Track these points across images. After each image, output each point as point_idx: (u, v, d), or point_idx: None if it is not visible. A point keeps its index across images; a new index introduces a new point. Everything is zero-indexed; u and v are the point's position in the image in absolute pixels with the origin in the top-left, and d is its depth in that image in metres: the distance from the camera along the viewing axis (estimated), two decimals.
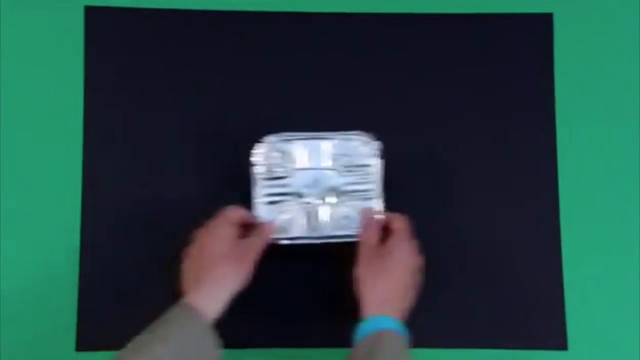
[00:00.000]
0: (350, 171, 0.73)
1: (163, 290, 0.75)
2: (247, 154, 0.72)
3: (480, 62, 0.79)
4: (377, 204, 0.73)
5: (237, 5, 0.79)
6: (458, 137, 0.78)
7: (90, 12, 0.78)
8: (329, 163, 0.73)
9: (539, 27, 0.80)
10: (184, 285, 0.68)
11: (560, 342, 0.75)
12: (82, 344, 0.74)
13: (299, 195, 0.73)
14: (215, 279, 0.66)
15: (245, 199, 0.73)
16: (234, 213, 0.70)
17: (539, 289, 0.76)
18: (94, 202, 0.76)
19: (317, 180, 0.73)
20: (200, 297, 0.65)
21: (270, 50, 0.79)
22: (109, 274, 0.75)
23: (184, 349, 0.62)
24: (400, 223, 0.72)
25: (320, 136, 0.73)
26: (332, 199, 0.73)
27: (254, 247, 0.69)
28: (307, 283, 0.76)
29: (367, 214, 0.73)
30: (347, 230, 0.72)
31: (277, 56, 0.79)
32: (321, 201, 0.73)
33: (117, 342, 0.74)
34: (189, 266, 0.69)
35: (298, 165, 0.73)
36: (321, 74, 0.79)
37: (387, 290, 0.68)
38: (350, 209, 0.73)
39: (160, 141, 0.77)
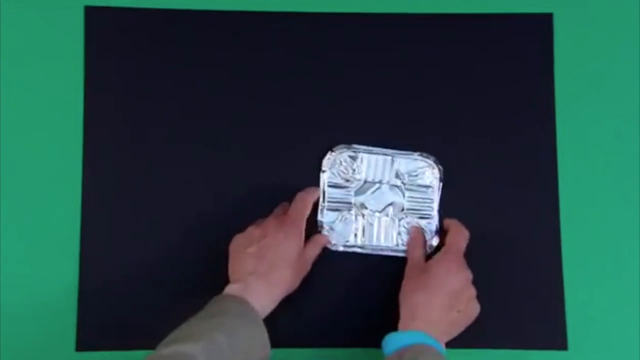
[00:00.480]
0: (411, 190, 0.76)
1: (163, 290, 0.75)
2: (246, 154, 0.72)
3: (480, 62, 0.79)
4: (433, 225, 0.76)
5: (237, 5, 0.79)
6: (458, 137, 0.78)
7: (90, 12, 0.78)
8: (393, 179, 0.76)
9: (539, 27, 0.80)
10: (236, 273, 0.69)
11: (560, 342, 0.75)
12: (82, 344, 0.74)
13: (361, 206, 0.75)
14: (276, 281, 0.68)
15: (240, 205, 0.73)
16: (311, 197, 0.73)
17: (539, 289, 0.76)
18: (94, 202, 0.76)
19: (380, 194, 0.76)
20: (257, 294, 0.66)
21: (271, 50, 0.79)
22: (109, 274, 0.75)
23: (240, 341, 0.62)
24: (452, 237, 0.72)
25: (389, 152, 0.76)
26: (391, 214, 0.76)
27: (312, 256, 0.72)
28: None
29: (415, 230, 0.75)
30: (401, 246, 0.75)
31: (278, 56, 0.79)
32: (381, 215, 0.76)
33: (117, 342, 0.74)
34: (247, 257, 0.69)
35: (364, 177, 0.76)
36: (321, 74, 0.78)
37: (423, 306, 0.68)
38: (407, 226, 0.76)
39: (160, 141, 0.77)
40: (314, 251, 0.73)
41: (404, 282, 0.71)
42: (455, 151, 0.78)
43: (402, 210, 0.76)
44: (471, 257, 0.76)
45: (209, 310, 0.65)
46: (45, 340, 0.74)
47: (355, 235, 0.76)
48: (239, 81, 0.78)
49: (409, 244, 0.75)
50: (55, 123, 0.77)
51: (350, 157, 0.76)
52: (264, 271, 0.68)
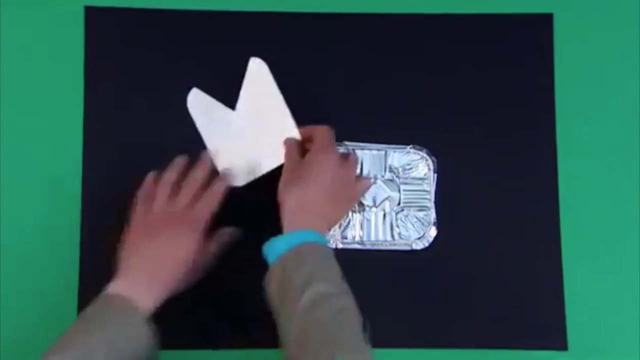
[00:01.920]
0: (406, 183, 0.76)
1: None
2: None
3: (480, 62, 0.79)
4: (430, 216, 0.76)
5: (237, 5, 0.79)
6: (457, 136, 0.78)
7: (90, 12, 0.78)
8: (387, 174, 0.76)
9: (539, 27, 0.80)
10: (124, 264, 0.66)
11: (560, 342, 0.75)
12: None
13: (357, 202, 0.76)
14: (165, 281, 0.65)
15: (237, 203, 0.73)
16: (218, 196, 0.70)
17: (539, 289, 0.76)
18: (94, 202, 0.76)
19: (375, 190, 0.76)
20: (141, 292, 0.64)
21: (271, 50, 0.78)
22: (109, 273, 0.75)
23: (118, 342, 0.61)
24: (318, 134, 0.71)
25: (381, 148, 0.76)
26: (388, 209, 0.76)
27: (209, 256, 0.69)
28: None
29: (288, 140, 0.72)
30: (400, 240, 0.76)
31: (279, 56, 0.78)
32: (377, 210, 0.76)
33: None
34: (138, 251, 0.66)
35: (358, 173, 0.76)
36: (322, 74, 0.79)
37: (305, 199, 0.67)
38: (405, 219, 0.76)
39: (160, 141, 0.77)
40: (211, 250, 0.69)
41: (281, 184, 0.69)
42: (456, 151, 0.78)
43: (399, 204, 0.76)
44: (471, 257, 0.76)
45: (89, 311, 0.63)
46: (45, 340, 0.74)
47: (353, 231, 0.76)
48: (239, 81, 0.78)
49: (285, 152, 0.72)
50: (55, 123, 0.77)
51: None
52: (151, 268, 0.65)
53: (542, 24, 0.80)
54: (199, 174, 0.72)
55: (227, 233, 0.71)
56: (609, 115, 0.79)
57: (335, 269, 0.65)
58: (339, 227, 0.76)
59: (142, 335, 0.62)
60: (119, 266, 0.67)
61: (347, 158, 0.73)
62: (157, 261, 0.66)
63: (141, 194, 0.71)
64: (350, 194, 0.73)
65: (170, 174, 0.71)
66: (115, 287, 0.64)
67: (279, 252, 0.64)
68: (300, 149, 0.72)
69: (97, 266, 0.75)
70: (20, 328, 0.74)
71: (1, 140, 0.76)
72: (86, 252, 0.75)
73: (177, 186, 0.71)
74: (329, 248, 0.67)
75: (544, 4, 0.80)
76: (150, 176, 0.72)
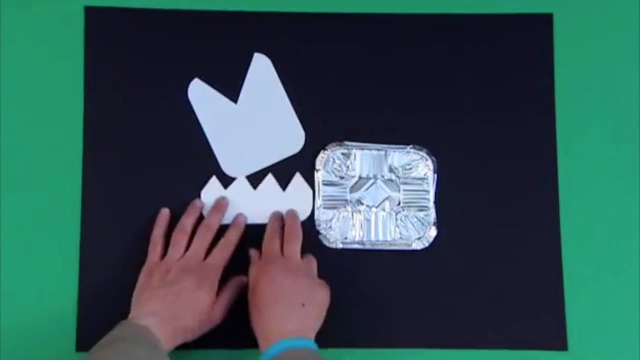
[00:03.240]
0: (406, 183, 0.76)
1: None
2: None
3: (480, 62, 0.79)
4: (430, 217, 0.76)
5: (237, 5, 0.79)
6: (457, 136, 0.78)
7: (90, 12, 0.78)
8: (387, 174, 0.76)
9: (539, 27, 0.80)
10: (137, 309, 0.67)
11: (560, 342, 0.75)
12: (82, 344, 0.74)
13: (357, 202, 0.76)
14: (179, 329, 0.66)
15: None
16: (233, 243, 0.72)
17: (539, 289, 0.76)
18: (94, 203, 0.76)
19: (375, 190, 0.76)
20: (159, 335, 0.64)
21: (271, 50, 0.79)
22: (109, 273, 0.75)
23: None
24: (266, 243, 0.72)
25: (381, 147, 0.76)
26: (388, 209, 0.76)
27: (226, 305, 0.70)
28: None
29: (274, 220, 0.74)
30: (400, 240, 0.76)
31: (278, 56, 0.79)
32: (377, 210, 0.76)
33: None
34: (153, 297, 0.67)
35: (358, 173, 0.76)
36: (321, 74, 0.78)
37: (271, 319, 0.67)
38: (405, 219, 0.76)
39: (161, 141, 0.77)
40: (227, 298, 0.70)
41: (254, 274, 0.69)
42: (454, 151, 0.78)
43: (399, 204, 0.76)
44: (471, 257, 0.76)
45: (114, 339, 0.64)
46: (45, 341, 0.74)
47: (354, 231, 0.76)
48: (238, 80, 0.78)
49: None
50: (55, 123, 0.77)
51: (343, 154, 0.77)
52: (168, 317, 0.66)
53: (542, 24, 0.80)
54: (212, 220, 0.73)
55: (236, 282, 0.71)
56: (609, 115, 0.79)
57: None
58: (339, 227, 0.76)
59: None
60: (136, 307, 0.68)
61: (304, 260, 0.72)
62: (176, 312, 0.66)
63: (156, 235, 0.73)
64: (318, 299, 0.70)
65: (188, 220, 0.73)
66: (137, 321, 0.66)
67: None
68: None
69: (97, 266, 0.75)
70: (21, 328, 0.74)
71: (1, 140, 0.76)
72: (86, 252, 0.75)
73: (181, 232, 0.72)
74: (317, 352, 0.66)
75: (544, 4, 0.80)
76: (164, 217, 0.73)
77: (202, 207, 0.74)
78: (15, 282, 0.75)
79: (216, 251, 0.71)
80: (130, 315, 0.67)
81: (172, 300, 0.67)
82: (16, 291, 0.74)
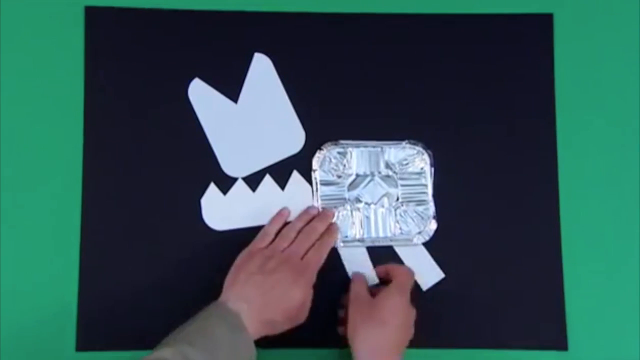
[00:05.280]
0: (403, 178, 0.76)
1: (163, 291, 0.75)
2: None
3: (480, 62, 0.79)
4: (430, 210, 0.76)
5: (237, 5, 0.79)
6: (457, 136, 0.78)
7: (90, 12, 0.78)
8: (384, 170, 0.77)
9: (539, 27, 0.80)
10: (231, 293, 0.67)
11: (560, 342, 0.75)
12: (82, 344, 0.74)
13: (356, 200, 0.76)
14: (267, 321, 0.66)
15: None
16: (330, 243, 0.73)
17: (539, 289, 0.76)
18: (94, 202, 0.76)
19: (373, 186, 0.77)
20: (248, 322, 0.64)
21: (271, 50, 0.79)
22: (109, 273, 0.75)
23: (222, 350, 0.62)
24: (401, 275, 0.72)
25: (377, 144, 0.77)
26: (387, 205, 0.76)
27: (306, 311, 0.70)
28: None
29: (355, 273, 0.75)
30: (401, 235, 0.76)
31: (278, 56, 0.79)
32: (376, 206, 0.76)
33: (117, 343, 0.74)
34: (249, 284, 0.67)
35: (355, 171, 0.76)
36: (322, 74, 0.78)
37: (379, 344, 0.67)
38: (404, 214, 0.76)
39: (161, 141, 0.77)
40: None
41: (352, 317, 0.69)
42: (454, 151, 0.78)
43: (397, 199, 0.77)
44: (471, 257, 0.76)
45: (205, 320, 0.64)
46: (45, 341, 0.74)
47: (354, 229, 0.76)
48: (239, 80, 0.78)
49: (352, 281, 0.73)
50: (55, 123, 0.77)
51: (339, 153, 0.77)
52: (259, 306, 0.66)
53: (542, 24, 0.80)
54: (319, 225, 0.74)
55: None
56: (609, 115, 0.79)
57: None
58: (339, 226, 0.76)
59: (246, 342, 0.63)
60: (230, 289, 0.67)
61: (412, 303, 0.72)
62: (268, 302, 0.66)
63: (269, 229, 0.73)
64: (411, 332, 0.71)
65: (299, 223, 0.74)
66: (228, 304, 0.65)
67: None
68: (365, 285, 0.73)
69: (97, 267, 0.75)
70: (21, 328, 0.74)
71: (1, 140, 0.76)
72: (86, 252, 0.75)
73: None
74: None
75: (544, 4, 0.80)
76: (283, 216, 0.75)
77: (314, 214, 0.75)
78: (15, 282, 0.75)
79: (312, 253, 0.71)
80: (223, 297, 0.67)
81: (267, 290, 0.67)
82: (16, 291, 0.74)
